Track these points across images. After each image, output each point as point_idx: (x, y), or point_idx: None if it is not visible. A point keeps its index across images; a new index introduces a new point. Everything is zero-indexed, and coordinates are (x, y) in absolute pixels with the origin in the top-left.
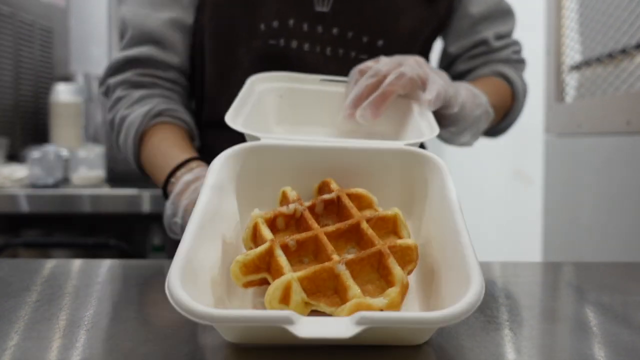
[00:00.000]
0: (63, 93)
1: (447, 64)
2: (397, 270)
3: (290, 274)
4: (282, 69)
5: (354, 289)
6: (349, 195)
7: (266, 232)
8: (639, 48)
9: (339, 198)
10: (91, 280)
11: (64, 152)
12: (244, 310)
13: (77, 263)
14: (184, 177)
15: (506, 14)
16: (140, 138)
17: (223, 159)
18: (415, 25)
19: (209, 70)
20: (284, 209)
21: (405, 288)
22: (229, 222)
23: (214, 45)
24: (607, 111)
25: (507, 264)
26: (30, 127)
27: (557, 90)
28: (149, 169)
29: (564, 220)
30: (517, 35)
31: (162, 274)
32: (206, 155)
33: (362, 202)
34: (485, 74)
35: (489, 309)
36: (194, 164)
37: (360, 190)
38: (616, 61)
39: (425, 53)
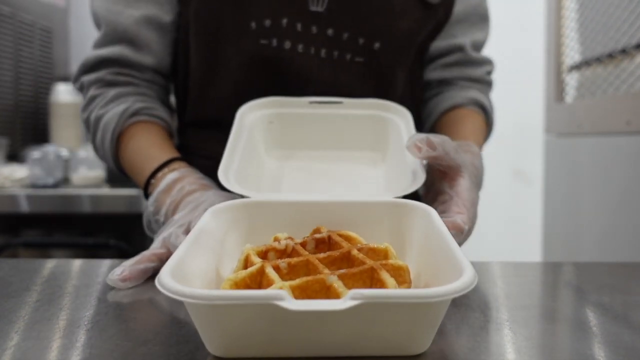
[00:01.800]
0: (63, 93)
1: None
2: (390, 280)
3: (281, 282)
4: (273, 71)
5: (346, 293)
6: (340, 236)
7: (257, 260)
8: (639, 48)
9: (329, 237)
10: (91, 280)
11: (64, 152)
12: (235, 290)
13: (77, 263)
14: (169, 175)
15: (483, 19)
16: (118, 138)
17: (214, 212)
18: (412, 27)
19: (193, 69)
20: (275, 244)
21: None
22: (220, 263)
23: (200, 42)
24: (607, 111)
25: (507, 264)
26: (30, 127)
27: (557, 90)
28: (128, 170)
29: (564, 220)
30: (517, 35)
31: None
32: (187, 154)
33: (351, 243)
34: (463, 102)
35: (489, 309)
36: (175, 164)
37: (350, 232)
38: (616, 61)
39: (421, 55)
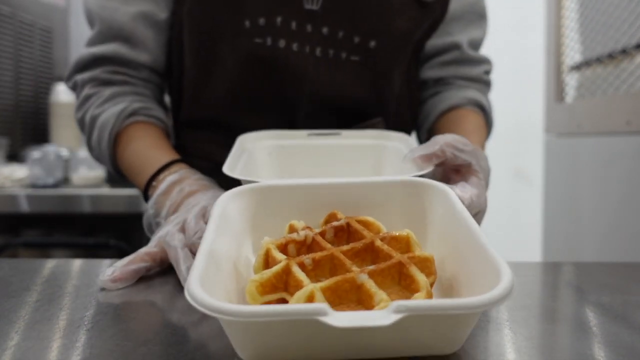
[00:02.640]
0: (63, 93)
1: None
2: (420, 277)
3: (312, 285)
4: (268, 71)
5: (379, 294)
6: (358, 222)
7: (279, 256)
8: (639, 48)
9: (348, 224)
10: (91, 280)
11: (64, 152)
12: (274, 305)
13: (77, 263)
14: (169, 177)
15: (480, 17)
16: (115, 139)
17: (227, 198)
18: (409, 26)
19: (187, 68)
20: (294, 236)
21: (430, 295)
22: (237, 255)
23: (194, 41)
24: (607, 111)
25: (507, 264)
26: (30, 127)
27: (557, 90)
28: (127, 172)
29: (564, 220)
30: (517, 35)
31: (162, 274)
32: (183, 155)
33: (370, 230)
34: (461, 102)
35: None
36: (175, 166)
37: (368, 218)
38: (616, 61)
39: (417, 53)
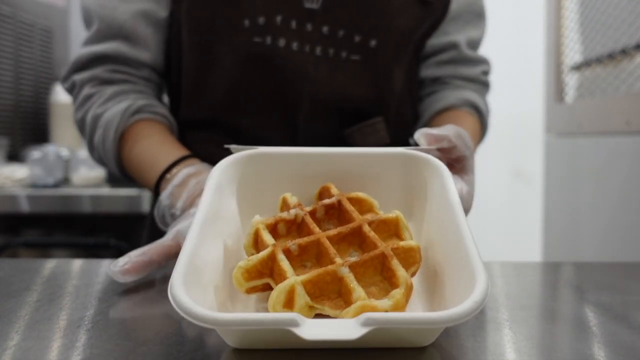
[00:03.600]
0: (63, 93)
1: None
2: (400, 271)
3: (293, 278)
4: (268, 70)
5: (358, 291)
6: (350, 200)
7: (268, 238)
8: (639, 48)
9: (339, 202)
10: (91, 280)
11: (64, 152)
12: (248, 313)
13: (77, 263)
14: (184, 170)
15: (479, 17)
16: (121, 137)
17: (223, 167)
18: (410, 24)
19: (186, 68)
20: (284, 215)
21: (409, 289)
22: (230, 229)
23: (192, 40)
24: (607, 111)
25: (507, 264)
26: (31, 127)
27: (557, 90)
28: (135, 169)
29: (564, 220)
30: (517, 35)
31: (162, 274)
32: None
33: (362, 206)
34: (456, 103)
35: (489, 309)
36: (190, 160)
37: (360, 194)
38: (616, 61)
39: (418, 52)
